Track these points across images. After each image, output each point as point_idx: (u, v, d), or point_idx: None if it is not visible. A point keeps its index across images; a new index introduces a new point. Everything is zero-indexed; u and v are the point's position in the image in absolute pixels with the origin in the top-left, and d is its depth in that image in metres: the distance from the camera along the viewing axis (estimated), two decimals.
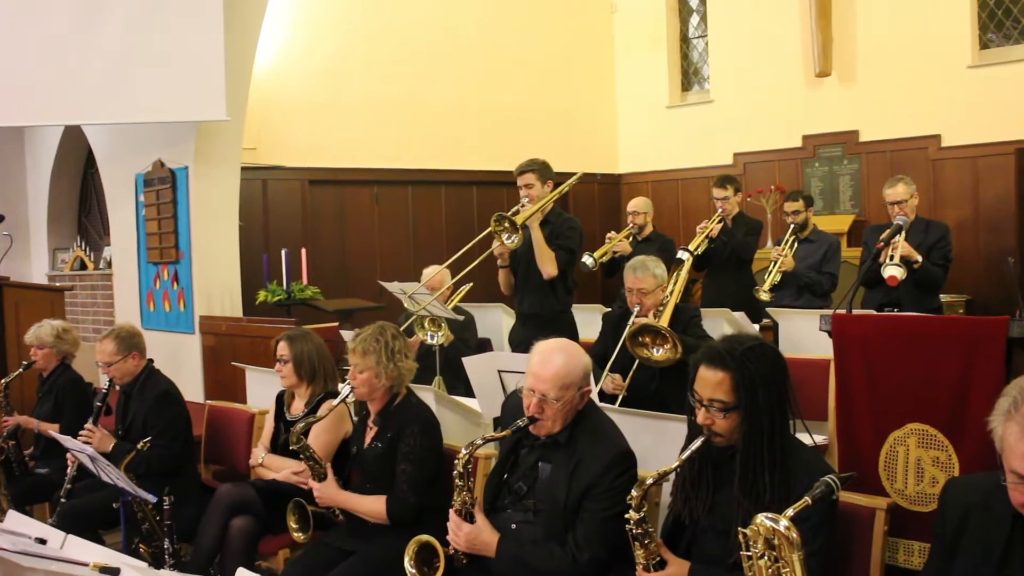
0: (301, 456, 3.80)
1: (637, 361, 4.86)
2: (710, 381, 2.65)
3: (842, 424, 3.56)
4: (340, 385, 4.72)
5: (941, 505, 2.40)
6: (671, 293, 5.11)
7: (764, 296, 6.47)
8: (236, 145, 7.43)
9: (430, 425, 3.77)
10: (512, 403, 3.40)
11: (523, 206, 5.43)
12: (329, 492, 3.77)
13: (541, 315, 5.53)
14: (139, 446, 4.33)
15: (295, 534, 3.92)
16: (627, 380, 4.90)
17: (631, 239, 7.11)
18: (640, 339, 4.84)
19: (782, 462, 2.59)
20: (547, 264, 5.42)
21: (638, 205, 7.18)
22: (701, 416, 2.65)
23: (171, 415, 4.71)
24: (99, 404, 4.78)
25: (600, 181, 11.78)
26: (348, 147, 9.64)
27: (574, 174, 5.74)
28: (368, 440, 3.84)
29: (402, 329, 4.17)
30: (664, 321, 4.83)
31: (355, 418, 4.43)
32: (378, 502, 3.67)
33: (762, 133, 10.59)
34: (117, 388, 4.89)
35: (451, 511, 3.12)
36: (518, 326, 5.76)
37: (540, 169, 5.47)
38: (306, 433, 3.88)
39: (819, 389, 4.46)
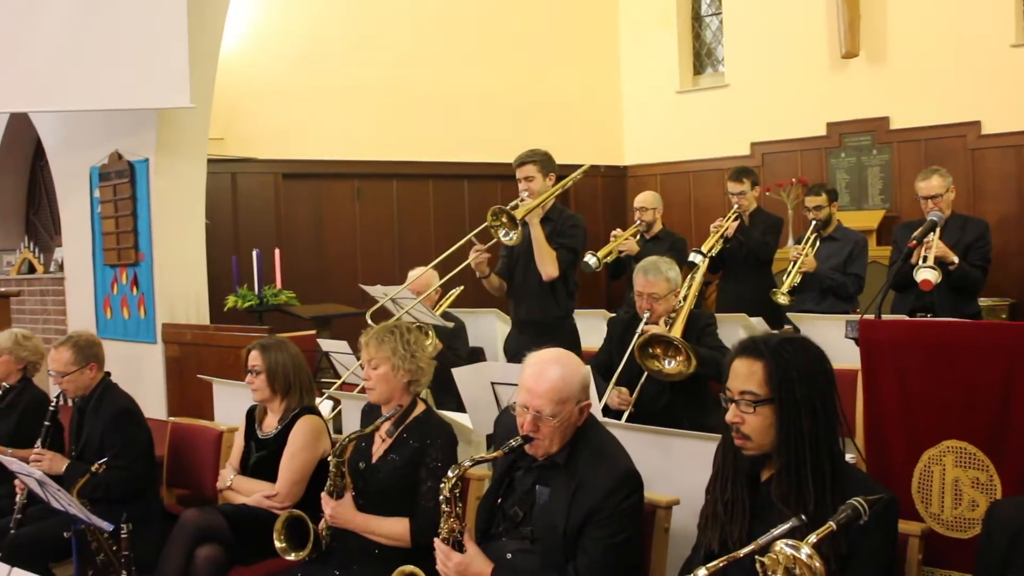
0: (332, 466, 3.73)
1: (646, 373, 4.85)
2: (742, 372, 2.61)
3: (871, 441, 3.54)
4: (318, 399, 4.73)
5: (986, 530, 2.39)
6: (685, 299, 5.11)
7: (782, 299, 6.46)
8: (202, 135, 7.42)
9: (454, 441, 3.81)
10: (506, 420, 3.39)
11: (522, 200, 5.43)
12: (347, 513, 3.72)
13: (540, 321, 5.53)
14: (94, 468, 4.31)
15: (291, 555, 3.77)
16: (634, 394, 4.89)
17: (638, 237, 7.11)
18: (650, 350, 4.83)
19: (833, 477, 2.52)
20: (548, 264, 5.41)
21: (646, 200, 7.18)
22: (730, 413, 2.61)
23: (130, 434, 4.69)
24: (48, 423, 4.76)
25: (604, 174, 11.78)
26: (326, 137, 9.64)
27: (576, 167, 5.73)
28: (379, 454, 3.82)
29: None
30: (677, 330, 4.83)
31: (333, 434, 4.43)
32: (400, 524, 3.67)
33: (782, 120, 10.60)
34: (69, 403, 4.87)
35: (437, 540, 3.11)
36: (514, 334, 5.75)
37: (542, 161, 5.47)
38: (365, 441, 3.85)
39: (845, 402, 4.44)
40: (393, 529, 3.67)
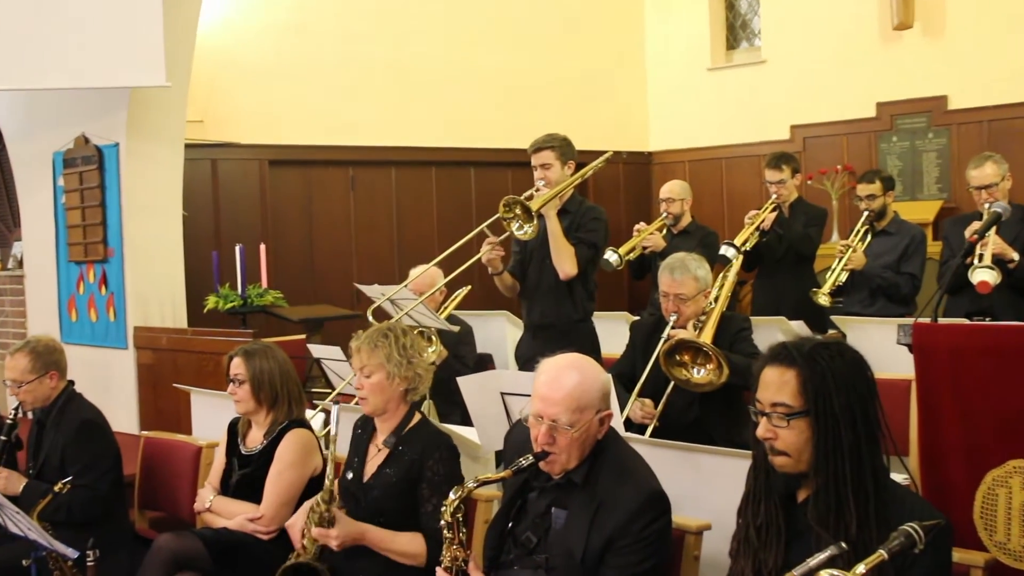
0: (321, 508, 3.71)
1: (672, 383, 4.84)
2: (773, 382, 2.60)
3: (927, 460, 3.53)
4: (308, 411, 4.73)
5: None
6: (716, 300, 5.10)
7: (823, 300, 6.43)
8: (178, 117, 7.43)
9: (455, 452, 3.84)
10: (517, 435, 3.39)
11: (538, 190, 5.43)
12: (353, 532, 3.70)
13: (555, 325, 5.54)
14: (56, 488, 4.32)
15: None
16: (660, 407, 4.88)
17: (664, 232, 7.11)
18: (677, 357, 4.83)
19: (877, 496, 2.52)
20: (565, 261, 5.41)
21: (673, 190, 7.17)
22: (762, 428, 2.60)
23: (96, 449, 4.70)
24: (4, 437, 4.76)
25: (627, 161, 11.76)
26: (317, 120, 9.64)
27: (595, 153, 5.73)
28: (374, 468, 3.85)
29: None
30: (707, 336, 4.82)
31: (326, 451, 4.43)
32: (415, 540, 3.71)
33: (826, 101, 10.57)
34: (28, 416, 4.88)
35: (439, 569, 3.12)
36: (527, 338, 5.76)
37: (561, 146, 5.48)
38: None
39: (898, 416, 4.42)
40: (408, 546, 3.71)
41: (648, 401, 4.93)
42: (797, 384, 2.57)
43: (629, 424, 4.81)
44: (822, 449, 2.54)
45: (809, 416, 2.55)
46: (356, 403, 5.09)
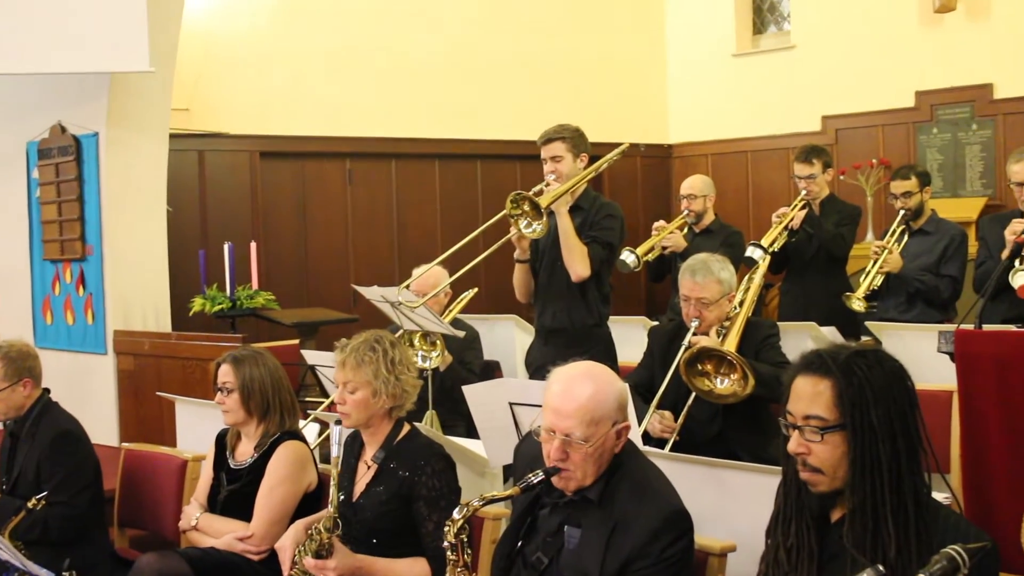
0: (321, 536, 3.67)
1: (694, 394, 4.85)
2: (806, 393, 2.59)
3: (969, 478, 3.53)
4: (302, 422, 4.74)
5: None
6: (741, 304, 5.10)
7: (857, 305, 6.44)
8: (162, 105, 7.44)
9: (450, 462, 3.85)
10: (527, 448, 3.38)
11: (548, 185, 5.42)
12: (352, 563, 3.69)
13: (568, 330, 5.54)
14: (30, 504, 4.33)
15: None
16: (680, 419, 4.89)
17: (685, 231, 7.10)
18: (699, 366, 4.83)
19: (917, 517, 2.51)
20: (578, 262, 5.41)
21: (695, 186, 7.16)
22: (794, 443, 2.59)
23: (73, 463, 4.71)
24: None
25: (645, 154, 11.77)
26: (311, 109, 9.65)
27: (611, 145, 5.73)
28: (363, 486, 3.86)
29: None
30: (731, 343, 4.82)
31: (321, 465, 4.44)
32: (416, 565, 3.72)
33: (861, 89, 10.56)
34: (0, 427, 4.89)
35: None
36: (538, 344, 5.76)
37: (572, 138, 5.48)
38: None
39: (938, 430, 4.42)
40: (410, 572, 3.71)
41: (668, 413, 4.94)
42: (832, 395, 2.56)
43: (647, 438, 4.81)
44: (859, 465, 2.53)
45: (845, 430, 2.54)
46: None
